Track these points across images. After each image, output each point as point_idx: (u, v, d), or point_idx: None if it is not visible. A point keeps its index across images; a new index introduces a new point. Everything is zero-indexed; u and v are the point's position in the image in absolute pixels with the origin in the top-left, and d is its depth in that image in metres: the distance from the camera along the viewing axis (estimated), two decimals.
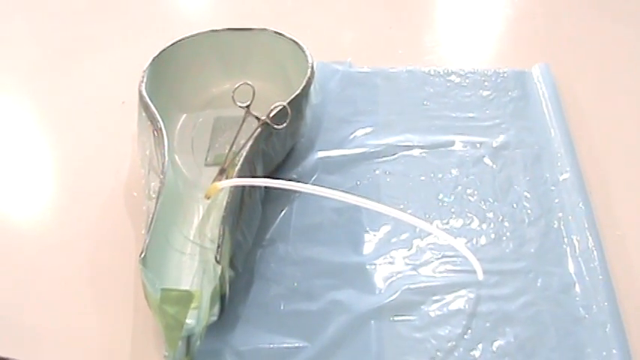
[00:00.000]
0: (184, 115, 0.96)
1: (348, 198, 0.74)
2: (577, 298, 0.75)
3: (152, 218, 0.74)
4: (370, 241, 0.81)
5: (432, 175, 0.89)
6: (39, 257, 0.83)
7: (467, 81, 1.02)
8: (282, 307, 0.75)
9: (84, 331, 0.75)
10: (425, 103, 0.99)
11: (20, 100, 1.08)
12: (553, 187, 0.86)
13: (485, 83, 1.02)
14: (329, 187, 0.75)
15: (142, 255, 0.69)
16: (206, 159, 0.90)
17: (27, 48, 1.19)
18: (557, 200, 0.85)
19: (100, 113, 1.02)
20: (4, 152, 0.97)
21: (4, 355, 0.71)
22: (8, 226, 0.88)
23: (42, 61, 1.15)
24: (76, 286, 0.80)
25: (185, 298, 0.68)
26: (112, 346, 0.73)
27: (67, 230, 0.86)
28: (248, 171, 0.80)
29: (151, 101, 0.86)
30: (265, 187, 0.82)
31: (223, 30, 0.98)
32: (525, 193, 0.86)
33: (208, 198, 0.79)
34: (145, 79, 0.89)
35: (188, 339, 0.69)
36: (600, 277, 0.76)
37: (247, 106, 0.84)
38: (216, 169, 0.85)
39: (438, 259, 0.79)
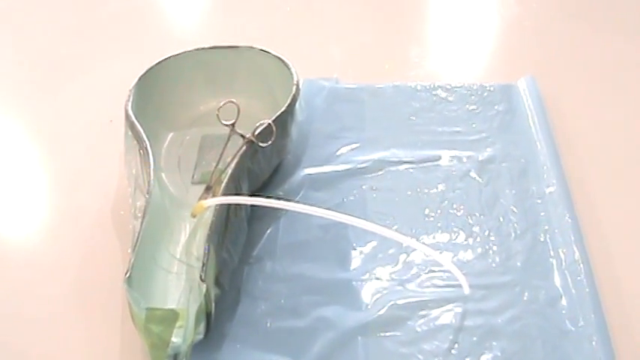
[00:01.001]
0: (171, 134, 0.96)
1: (333, 215, 0.74)
2: (563, 312, 0.75)
3: (137, 237, 0.74)
4: (357, 257, 0.81)
5: (419, 190, 0.89)
6: (25, 276, 0.83)
7: (453, 95, 1.02)
8: (268, 325, 0.75)
9: (71, 351, 0.75)
10: (411, 117, 0.99)
11: (6, 120, 1.08)
12: (539, 200, 0.86)
13: (472, 97, 1.02)
14: (315, 205, 0.76)
15: (127, 275, 0.69)
16: (193, 177, 0.90)
17: (12, 67, 1.19)
18: (543, 213, 0.85)
19: (87, 132, 1.02)
20: None
21: None
22: None
23: (28, 81, 1.15)
24: (62, 305, 0.80)
25: (170, 317, 0.68)
26: None
27: (53, 249, 0.86)
28: (234, 189, 0.80)
29: (138, 120, 0.86)
30: (251, 205, 0.82)
31: (209, 48, 0.98)
32: (512, 207, 0.86)
33: (194, 216, 0.80)
34: (131, 98, 0.89)
35: (175, 357, 0.69)
36: (587, 289, 0.76)
37: (232, 124, 0.84)
38: (202, 187, 0.85)
39: (425, 273, 0.79)
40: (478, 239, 0.83)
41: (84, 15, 1.30)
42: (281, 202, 0.77)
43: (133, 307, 0.68)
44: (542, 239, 0.82)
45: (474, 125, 0.97)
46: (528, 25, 1.21)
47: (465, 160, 0.92)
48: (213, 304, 0.71)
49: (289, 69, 0.93)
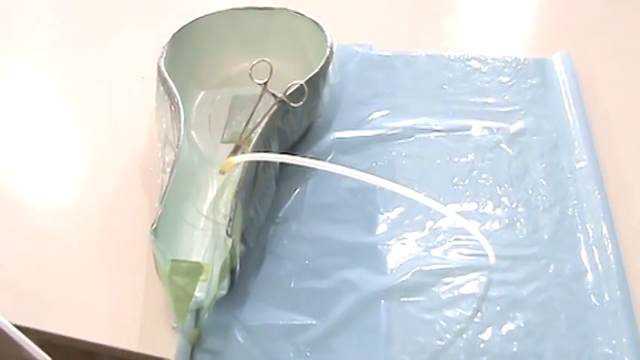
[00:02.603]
0: (203, 92, 0.96)
1: (363, 176, 0.74)
2: (589, 286, 0.74)
3: (165, 191, 0.74)
4: (383, 222, 0.81)
5: (448, 158, 0.88)
6: (54, 227, 0.84)
7: (487, 67, 1.02)
8: (292, 285, 0.75)
9: (95, 300, 0.76)
10: (444, 87, 0.99)
11: (41, 76, 1.08)
12: (569, 175, 0.86)
13: (505, 69, 1.01)
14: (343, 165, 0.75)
15: (154, 226, 0.70)
16: (223, 136, 0.90)
17: (48, 25, 1.20)
18: (572, 188, 0.84)
19: (120, 87, 1.03)
20: (25, 125, 0.98)
21: (19, 323, 0.71)
22: (26, 195, 0.89)
23: (63, 38, 1.16)
24: (89, 255, 0.80)
25: (195, 270, 0.68)
26: (123, 315, 0.74)
27: (82, 201, 0.87)
28: (263, 147, 0.80)
29: (170, 77, 0.86)
30: (280, 165, 0.82)
31: (243, 8, 0.98)
32: (541, 180, 0.85)
33: (223, 173, 0.80)
34: (164, 55, 0.89)
35: (197, 312, 0.69)
36: (613, 265, 0.75)
37: (264, 83, 0.84)
38: (231, 147, 0.85)
39: (451, 241, 0.79)
40: (506, 210, 0.82)
41: None
42: (311, 160, 0.77)
43: (158, 258, 0.69)
44: (570, 213, 0.81)
45: (506, 97, 0.97)
46: (565, 0, 1.20)
47: (495, 131, 0.92)
48: (238, 261, 0.71)
49: (323, 32, 0.92)
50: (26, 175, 0.91)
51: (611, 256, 0.76)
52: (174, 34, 0.93)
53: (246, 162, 0.76)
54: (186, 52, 0.94)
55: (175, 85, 0.85)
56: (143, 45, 1.07)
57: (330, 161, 0.88)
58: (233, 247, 0.70)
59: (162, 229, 0.71)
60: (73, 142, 0.96)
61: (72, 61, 1.10)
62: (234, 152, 0.83)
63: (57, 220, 0.85)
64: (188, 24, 0.95)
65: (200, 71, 0.97)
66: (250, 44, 0.98)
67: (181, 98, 0.84)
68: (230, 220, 0.70)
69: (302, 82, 0.84)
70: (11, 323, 0.55)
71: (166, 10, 1.19)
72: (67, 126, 0.99)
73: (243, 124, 0.86)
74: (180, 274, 0.68)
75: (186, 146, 0.82)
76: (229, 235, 0.69)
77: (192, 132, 0.90)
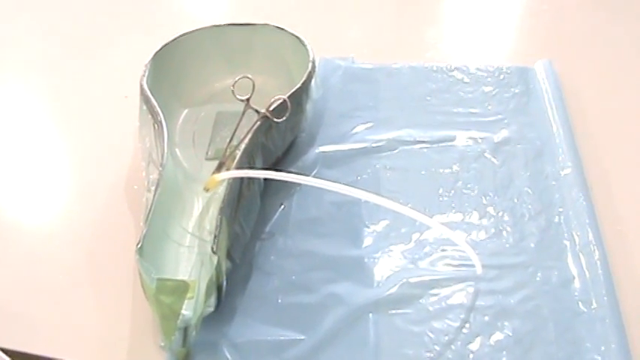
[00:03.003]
0: (186, 110, 0.96)
1: (347, 190, 0.74)
2: (576, 293, 0.74)
3: (149, 209, 0.74)
4: (369, 235, 0.81)
5: (433, 169, 0.89)
6: (40, 247, 0.84)
7: (469, 77, 1.02)
8: (279, 300, 0.75)
9: (83, 321, 0.76)
10: (427, 98, 0.99)
11: (24, 95, 1.08)
12: (554, 182, 0.86)
13: (488, 79, 1.01)
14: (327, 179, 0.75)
15: (139, 245, 0.69)
16: (207, 153, 0.90)
17: (30, 43, 1.19)
18: (557, 195, 0.84)
19: (103, 107, 1.03)
20: (7, 144, 0.98)
21: (3, 346, 0.71)
22: (10, 216, 0.88)
23: (45, 56, 1.15)
24: (75, 276, 0.80)
25: (181, 288, 0.68)
26: (110, 336, 0.74)
27: (67, 222, 0.87)
28: (247, 163, 0.80)
29: (153, 95, 0.86)
30: (265, 180, 0.82)
31: (225, 25, 0.98)
32: (526, 188, 0.85)
33: (208, 191, 0.80)
34: (146, 73, 0.89)
35: (185, 330, 0.69)
36: (600, 272, 0.75)
37: (247, 100, 0.84)
38: (216, 163, 0.85)
39: (437, 253, 0.79)
40: (492, 219, 0.82)
41: None
42: (295, 175, 0.77)
43: (144, 277, 0.68)
44: (556, 221, 0.82)
45: (489, 107, 0.97)
46: (547, 8, 1.20)
47: (480, 141, 0.92)
48: (224, 277, 0.71)
49: (305, 47, 0.92)
50: (10, 195, 0.91)
51: (598, 263, 0.76)
52: (156, 53, 0.93)
53: (230, 179, 0.76)
54: (169, 70, 0.94)
55: (158, 103, 0.85)
56: (125, 64, 1.07)
57: (315, 176, 0.88)
58: (219, 264, 0.69)
59: (148, 247, 0.70)
60: (57, 163, 0.96)
61: (54, 81, 1.09)
62: (219, 169, 0.83)
63: (43, 241, 0.84)
64: (170, 42, 0.95)
65: (183, 88, 0.97)
66: (233, 60, 0.98)
67: (165, 116, 0.83)
68: (215, 237, 0.70)
69: (285, 97, 0.84)
70: None
71: (148, 28, 1.19)
72: (50, 146, 0.98)
73: (227, 140, 0.85)
74: (166, 293, 0.68)
75: (170, 164, 0.82)
76: (215, 253, 0.69)
77: (177, 150, 0.90)
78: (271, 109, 0.83)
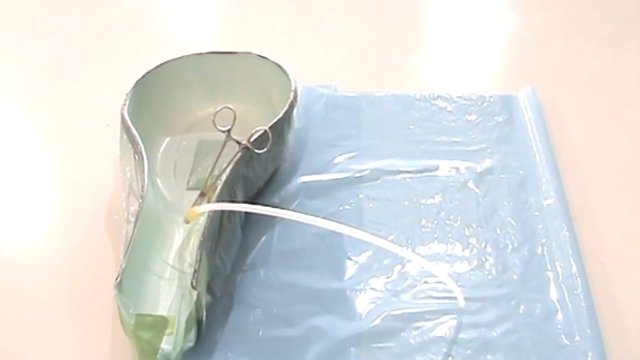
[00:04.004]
0: (168, 139, 0.96)
1: (328, 224, 0.74)
2: (559, 326, 0.74)
3: (129, 242, 0.73)
4: (351, 267, 0.81)
5: (416, 200, 0.88)
6: (17, 278, 0.83)
7: (452, 105, 1.02)
8: (260, 333, 0.74)
9: (62, 355, 0.75)
10: (410, 127, 0.98)
11: (3, 121, 1.07)
12: (537, 213, 0.85)
13: (471, 107, 1.01)
14: (310, 213, 0.75)
15: (118, 280, 0.69)
16: (188, 183, 0.90)
17: (9, 70, 1.19)
18: (541, 226, 0.84)
19: (83, 135, 1.02)
20: None
21: None
22: None
23: (26, 83, 1.15)
24: (53, 307, 0.79)
25: (160, 324, 0.68)
26: None
27: (46, 251, 0.86)
28: (228, 195, 0.79)
29: (135, 124, 0.85)
30: (246, 212, 0.81)
31: (207, 53, 0.98)
32: (509, 219, 0.85)
33: (188, 222, 0.79)
34: (127, 102, 0.88)
35: None
36: (583, 304, 0.75)
37: (228, 131, 0.83)
38: (197, 193, 0.84)
39: (420, 285, 0.78)
40: (474, 251, 0.82)
41: (82, 19, 1.30)
42: (274, 209, 0.76)
43: (123, 312, 0.68)
44: (539, 252, 0.81)
45: (472, 136, 0.97)
46: (529, 36, 1.21)
47: (463, 170, 0.91)
48: (204, 312, 0.70)
49: (287, 75, 0.92)
50: None
51: (581, 295, 0.76)
52: (138, 81, 0.93)
53: (211, 211, 0.75)
54: (151, 98, 0.93)
55: (140, 132, 0.84)
56: (107, 91, 1.07)
57: (297, 206, 0.87)
58: (199, 298, 0.69)
59: (127, 281, 0.70)
60: (36, 191, 0.95)
61: (35, 108, 1.09)
62: (200, 199, 0.83)
63: (20, 272, 0.83)
64: (151, 70, 0.95)
65: (165, 117, 0.96)
66: (215, 89, 0.98)
67: (146, 145, 0.83)
68: (195, 271, 0.69)
69: (266, 127, 0.83)
70: None
71: (130, 56, 1.18)
72: (30, 174, 0.97)
73: (209, 170, 0.85)
74: (145, 329, 0.67)
75: (150, 195, 0.81)
76: (194, 287, 0.68)
77: (158, 179, 0.90)
78: (252, 139, 0.82)
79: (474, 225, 0.85)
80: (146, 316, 0.68)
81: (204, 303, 0.70)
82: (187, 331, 0.69)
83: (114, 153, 0.90)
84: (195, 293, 0.68)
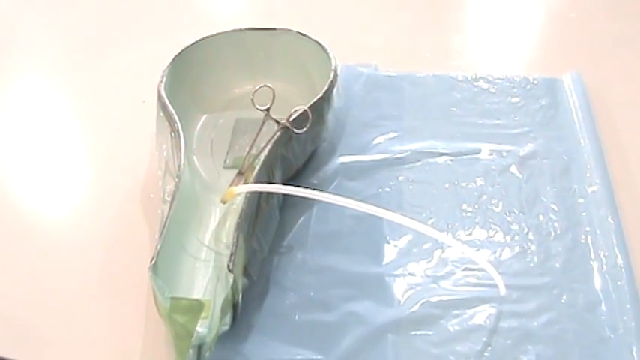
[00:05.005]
0: (205, 116, 0.95)
1: (367, 208, 0.72)
2: (603, 317, 0.72)
3: (165, 223, 0.72)
4: (390, 251, 0.79)
5: (457, 183, 0.86)
6: (52, 257, 0.82)
7: (495, 87, 1.00)
8: (296, 317, 0.73)
9: (95, 335, 0.74)
10: (451, 108, 0.97)
11: (41, 96, 1.07)
12: (581, 200, 0.83)
13: (514, 90, 0.99)
14: (349, 195, 0.74)
15: (153, 262, 0.68)
16: (225, 161, 0.89)
17: (48, 45, 1.18)
18: (584, 214, 0.82)
19: (120, 111, 1.01)
20: (23, 149, 0.96)
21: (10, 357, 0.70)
22: (23, 223, 0.87)
23: (61, 58, 1.15)
24: (88, 288, 0.78)
25: (195, 308, 0.66)
26: (123, 351, 0.72)
27: (81, 230, 0.85)
28: (266, 176, 0.78)
29: (171, 101, 0.84)
30: (284, 193, 0.80)
31: (246, 30, 0.96)
32: (552, 206, 0.83)
33: (224, 203, 0.78)
34: (164, 79, 0.87)
35: (199, 348, 0.67)
36: (627, 295, 0.73)
37: (267, 110, 0.82)
38: (234, 172, 0.83)
39: (460, 271, 0.77)
40: (516, 237, 0.80)
41: None
42: (314, 192, 0.75)
43: (158, 295, 0.67)
44: (582, 240, 0.79)
45: (515, 119, 0.95)
46: (576, 19, 1.18)
47: (505, 154, 0.90)
48: (240, 295, 0.69)
49: (327, 54, 0.90)
50: (23, 200, 0.90)
51: (626, 286, 0.74)
52: (175, 57, 0.91)
53: (248, 192, 0.74)
54: (188, 75, 0.92)
55: (176, 110, 0.83)
56: (144, 67, 1.05)
57: (335, 187, 0.86)
58: (235, 282, 0.68)
59: (162, 263, 0.69)
60: (72, 168, 0.94)
61: (70, 84, 1.08)
62: (237, 178, 0.82)
63: (56, 252, 0.83)
64: (189, 46, 0.94)
65: (202, 94, 0.95)
66: (253, 66, 0.97)
67: (182, 123, 0.82)
68: (232, 254, 0.68)
69: (305, 107, 0.82)
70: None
71: (167, 31, 1.17)
72: (65, 150, 0.97)
73: (246, 149, 0.83)
74: (180, 312, 0.66)
75: (187, 174, 0.80)
76: (231, 271, 0.67)
77: (194, 157, 0.89)
78: (291, 119, 0.81)
79: (515, 210, 0.83)
80: (181, 299, 0.67)
81: (240, 286, 0.69)
82: (223, 314, 0.67)
83: (150, 130, 0.89)
84: (231, 276, 0.67)
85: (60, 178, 0.92)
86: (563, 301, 0.74)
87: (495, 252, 0.79)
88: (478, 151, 0.90)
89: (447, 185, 0.86)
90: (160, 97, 0.85)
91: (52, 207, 0.89)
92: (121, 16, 1.23)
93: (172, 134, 0.81)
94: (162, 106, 0.84)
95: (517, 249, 0.79)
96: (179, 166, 0.78)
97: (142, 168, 0.91)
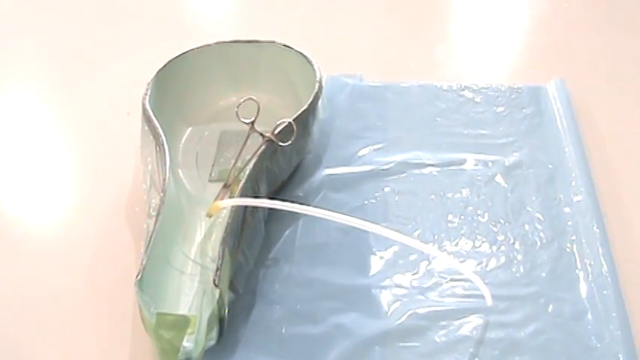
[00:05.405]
0: (190, 129, 0.94)
1: (352, 221, 0.72)
2: (589, 327, 0.72)
3: (150, 238, 0.72)
4: (376, 263, 0.79)
5: (442, 194, 0.86)
6: (38, 271, 0.82)
7: (480, 96, 1.00)
8: (283, 331, 0.73)
9: (80, 351, 0.74)
10: (436, 118, 0.97)
11: (26, 109, 1.07)
12: (567, 209, 0.84)
13: (499, 99, 0.99)
14: (335, 207, 0.75)
15: (138, 277, 0.68)
16: (210, 174, 0.88)
17: (33, 57, 1.18)
18: (570, 222, 0.82)
19: (104, 124, 1.01)
20: (7, 161, 0.96)
21: None
22: (7, 237, 0.86)
23: (47, 71, 1.14)
24: (73, 303, 0.78)
25: (181, 323, 0.66)
26: None
27: (66, 244, 0.85)
28: (251, 190, 0.78)
29: (156, 114, 0.84)
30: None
31: (231, 42, 0.96)
32: (538, 215, 0.83)
33: (210, 217, 0.78)
34: (149, 92, 0.87)
35: None
36: (614, 304, 0.73)
37: (252, 122, 0.82)
38: (220, 185, 0.83)
39: (446, 282, 0.77)
40: (502, 247, 0.80)
41: (102, 5, 1.28)
42: (299, 206, 0.75)
43: (144, 311, 0.67)
44: (568, 250, 0.79)
45: (500, 128, 0.95)
46: (559, 26, 1.18)
47: (490, 164, 0.90)
48: (226, 310, 0.69)
49: (312, 65, 0.91)
50: (8, 216, 0.89)
51: (612, 295, 0.74)
52: (160, 70, 0.91)
53: (233, 205, 0.74)
54: (173, 87, 0.92)
55: (161, 122, 0.83)
56: (129, 79, 1.06)
57: (321, 199, 0.86)
58: (221, 296, 0.68)
59: (148, 278, 0.69)
60: (56, 181, 0.94)
61: (54, 96, 1.08)
62: (223, 192, 0.81)
63: (41, 264, 0.82)
64: (173, 59, 0.93)
65: (187, 106, 0.95)
66: (238, 78, 0.97)
67: (167, 136, 0.82)
68: (217, 269, 0.68)
69: (290, 119, 0.82)
70: None
71: (152, 44, 1.17)
72: (49, 163, 0.96)
73: (232, 161, 0.84)
74: (166, 328, 0.66)
75: (172, 188, 0.80)
76: (217, 286, 0.67)
77: (179, 170, 0.88)
78: (276, 132, 0.81)
79: (501, 220, 0.83)
80: (167, 315, 0.67)
81: (226, 301, 0.69)
82: (209, 329, 0.67)
83: (135, 142, 0.89)
84: (217, 291, 0.67)
85: (44, 191, 0.92)
86: (549, 310, 0.74)
87: (482, 262, 0.79)
88: (463, 162, 0.90)
89: (432, 196, 0.86)
90: (144, 110, 0.85)
91: (35, 220, 0.89)
92: (106, 29, 1.23)
93: (157, 148, 0.81)
94: (147, 120, 0.84)
95: (503, 259, 0.79)
96: (164, 180, 0.77)
97: (127, 181, 0.91)
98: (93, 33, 1.21)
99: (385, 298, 0.75)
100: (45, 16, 1.27)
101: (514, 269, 0.78)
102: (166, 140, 0.81)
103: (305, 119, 0.85)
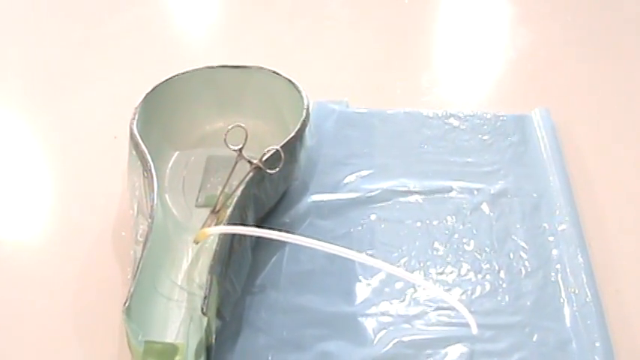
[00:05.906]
0: (177, 153, 0.94)
1: (336, 250, 0.72)
2: (574, 356, 0.72)
3: (138, 265, 0.72)
4: (363, 290, 0.79)
5: (428, 222, 0.87)
6: (20, 298, 0.81)
7: (465, 124, 1.00)
8: (270, 358, 0.73)
9: None
10: (422, 146, 0.97)
11: (11, 131, 1.06)
12: (551, 238, 0.84)
13: (484, 127, 1.00)
14: (321, 234, 0.76)
15: (126, 305, 0.67)
16: (197, 200, 0.88)
17: (20, 78, 1.18)
18: (555, 251, 0.83)
19: (91, 147, 1.01)
20: None
21: None
22: None
23: (31, 94, 1.14)
24: (58, 331, 0.77)
25: (169, 351, 0.66)
26: None
27: (50, 271, 0.84)
28: (239, 217, 0.78)
29: (143, 138, 0.84)
30: None
31: (218, 67, 0.96)
32: (522, 244, 0.84)
33: (197, 243, 0.78)
34: (136, 117, 0.87)
35: None
36: (597, 334, 0.73)
37: (240, 150, 0.82)
38: (207, 211, 0.83)
39: (432, 311, 0.77)
40: (488, 276, 0.80)
41: (92, 28, 1.28)
42: (287, 234, 0.75)
43: (131, 339, 0.66)
44: (553, 279, 0.80)
45: (486, 156, 0.95)
46: (544, 55, 1.19)
47: (476, 192, 0.90)
48: (214, 338, 0.69)
49: (299, 92, 0.91)
50: None
51: (596, 324, 0.74)
52: (147, 94, 0.91)
53: (221, 233, 0.74)
54: (160, 112, 0.92)
55: (148, 147, 0.83)
56: (115, 103, 1.06)
57: (307, 226, 0.86)
58: (209, 324, 0.68)
59: (135, 305, 0.68)
60: (41, 206, 0.94)
61: (40, 119, 1.08)
62: (211, 218, 0.82)
63: (24, 292, 0.82)
64: (161, 83, 0.93)
65: (174, 131, 0.95)
66: (225, 103, 0.97)
67: (155, 161, 0.82)
68: (205, 297, 0.68)
69: (278, 147, 0.82)
70: None
71: (140, 68, 1.17)
72: (34, 188, 0.96)
73: (219, 187, 0.84)
74: (154, 356, 0.66)
75: (159, 214, 0.80)
76: (205, 314, 0.67)
77: (166, 195, 0.88)
78: (264, 159, 0.81)
79: (487, 249, 0.83)
80: (155, 343, 0.67)
81: (214, 328, 0.69)
82: (197, 357, 0.67)
83: (121, 166, 0.88)
84: (205, 320, 0.67)
85: (29, 214, 0.92)
86: (534, 340, 0.74)
87: (467, 291, 0.79)
88: (449, 190, 0.91)
89: (418, 224, 0.87)
90: (132, 135, 0.85)
91: (19, 246, 0.88)
92: (93, 52, 1.23)
93: (145, 173, 0.81)
94: (135, 145, 0.84)
95: (488, 287, 0.79)
96: (152, 207, 0.77)
97: (114, 205, 0.91)
98: (79, 56, 1.21)
99: (371, 325, 0.76)
100: (30, 37, 1.27)
101: (499, 298, 0.78)
102: (154, 166, 0.81)
103: (293, 146, 0.85)
